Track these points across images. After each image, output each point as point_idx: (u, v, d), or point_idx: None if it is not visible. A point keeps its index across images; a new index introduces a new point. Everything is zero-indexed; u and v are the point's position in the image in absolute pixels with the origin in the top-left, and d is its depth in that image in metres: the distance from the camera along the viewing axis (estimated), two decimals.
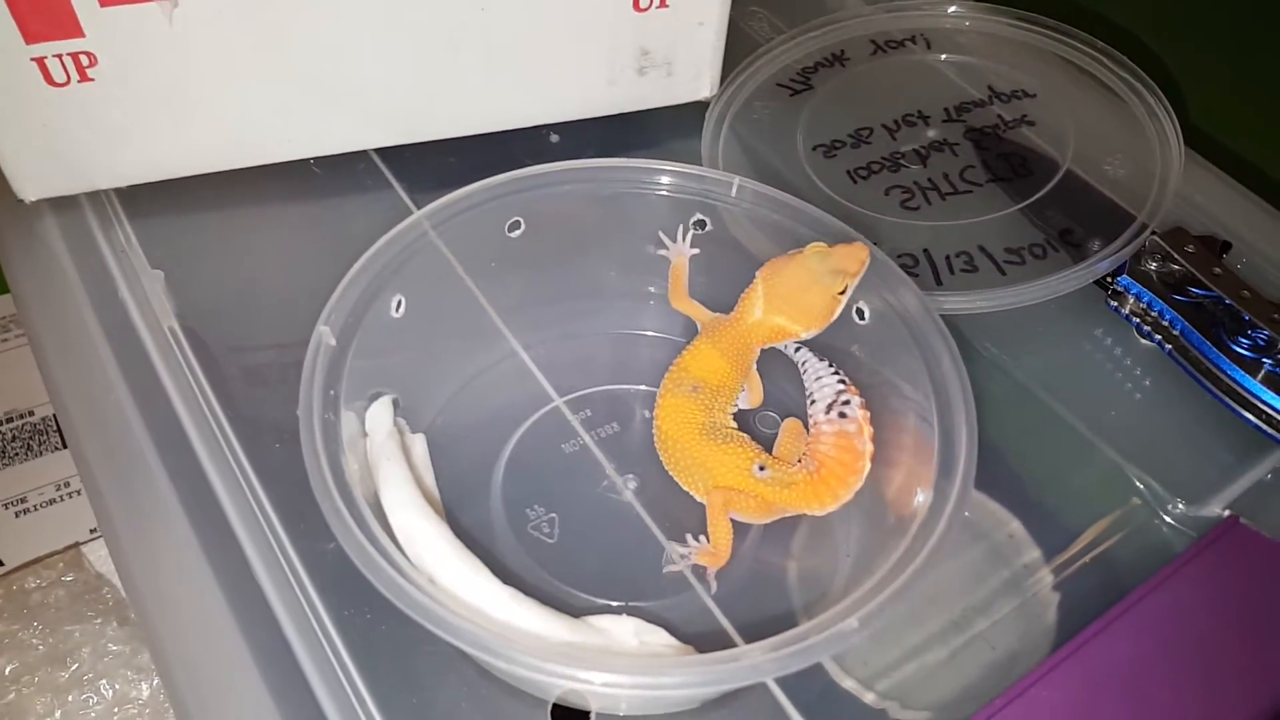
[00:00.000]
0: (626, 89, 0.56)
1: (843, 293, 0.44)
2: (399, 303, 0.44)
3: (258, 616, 0.41)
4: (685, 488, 0.44)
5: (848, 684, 0.41)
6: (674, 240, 0.49)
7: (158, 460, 0.45)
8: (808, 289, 0.44)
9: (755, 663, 0.34)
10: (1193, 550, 0.44)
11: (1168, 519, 0.46)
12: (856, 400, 0.44)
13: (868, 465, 0.43)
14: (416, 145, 0.55)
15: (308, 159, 0.55)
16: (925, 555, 0.37)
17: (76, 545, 0.61)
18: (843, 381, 0.45)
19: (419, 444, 0.45)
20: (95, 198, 0.54)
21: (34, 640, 0.56)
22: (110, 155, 0.51)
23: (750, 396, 0.46)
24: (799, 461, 0.44)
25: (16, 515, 0.65)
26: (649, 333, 0.51)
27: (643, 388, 0.49)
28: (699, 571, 0.42)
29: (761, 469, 0.42)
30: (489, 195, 0.46)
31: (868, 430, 0.43)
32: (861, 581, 0.37)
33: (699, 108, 0.57)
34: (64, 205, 0.53)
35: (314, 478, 0.37)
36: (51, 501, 0.66)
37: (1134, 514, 0.46)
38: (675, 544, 0.43)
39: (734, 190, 0.47)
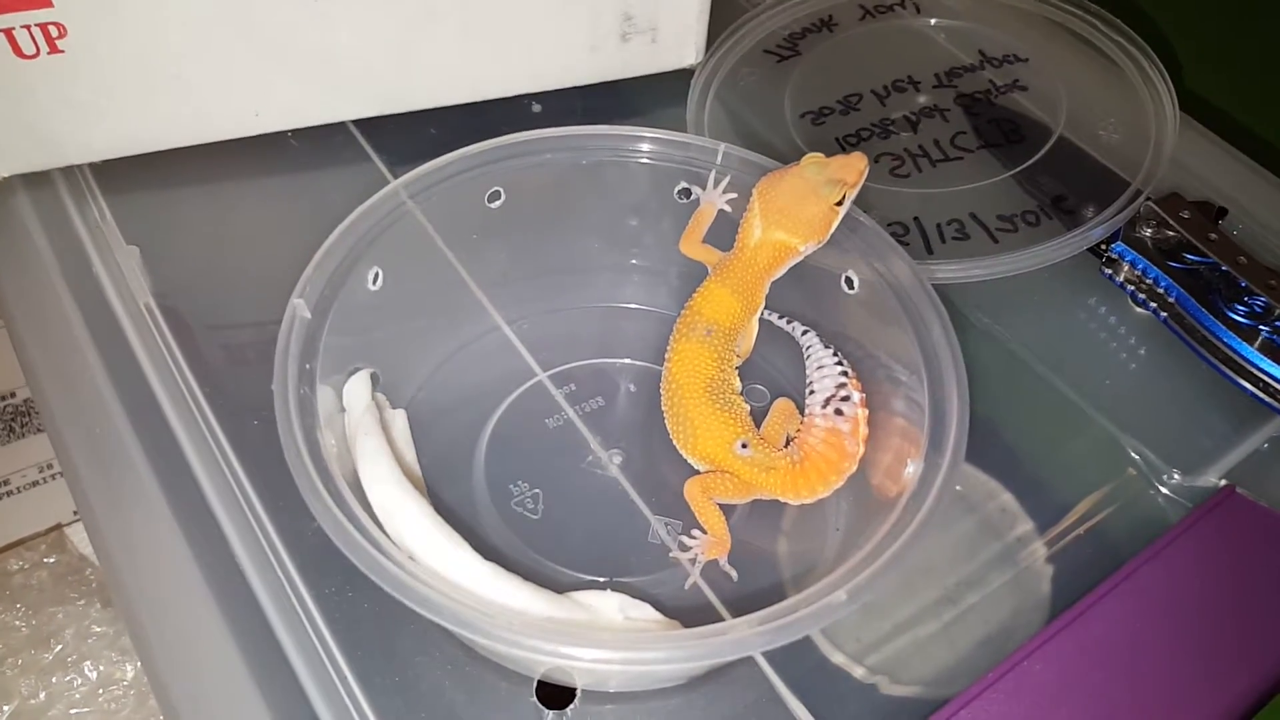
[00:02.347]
0: (609, 56, 0.54)
1: (840, 203, 0.43)
2: (376, 275, 0.43)
3: (238, 596, 0.40)
4: (670, 436, 0.43)
5: (838, 659, 0.41)
6: (707, 188, 0.47)
7: (134, 439, 0.44)
8: (804, 199, 0.43)
9: (742, 636, 0.33)
10: (1188, 520, 0.44)
11: (1163, 489, 0.46)
12: (857, 396, 0.43)
13: (852, 467, 0.42)
14: (395, 116, 0.54)
15: (284, 131, 0.54)
16: (915, 527, 0.36)
17: (59, 527, 0.60)
18: (845, 374, 0.44)
19: (400, 420, 0.44)
20: (69, 173, 0.53)
21: (17, 622, 0.55)
22: (83, 129, 0.50)
23: (741, 344, 0.45)
24: (785, 446, 0.43)
25: None
26: (633, 306, 0.50)
27: (627, 361, 0.48)
28: (710, 569, 0.41)
29: (744, 446, 0.42)
30: (467, 164, 0.45)
31: (862, 431, 0.42)
32: (850, 555, 0.36)
33: (684, 76, 0.56)
34: (37, 181, 0.52)
35: (289, 452, 0.36)
36: (34, 483, 0.65)
37: (1129, 485, 0.46)
38: (680, 553, 0.41)
39: (719, 158, 0.46)
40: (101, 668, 0.54)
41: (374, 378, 0.44)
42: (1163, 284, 0.48)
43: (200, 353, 0.47)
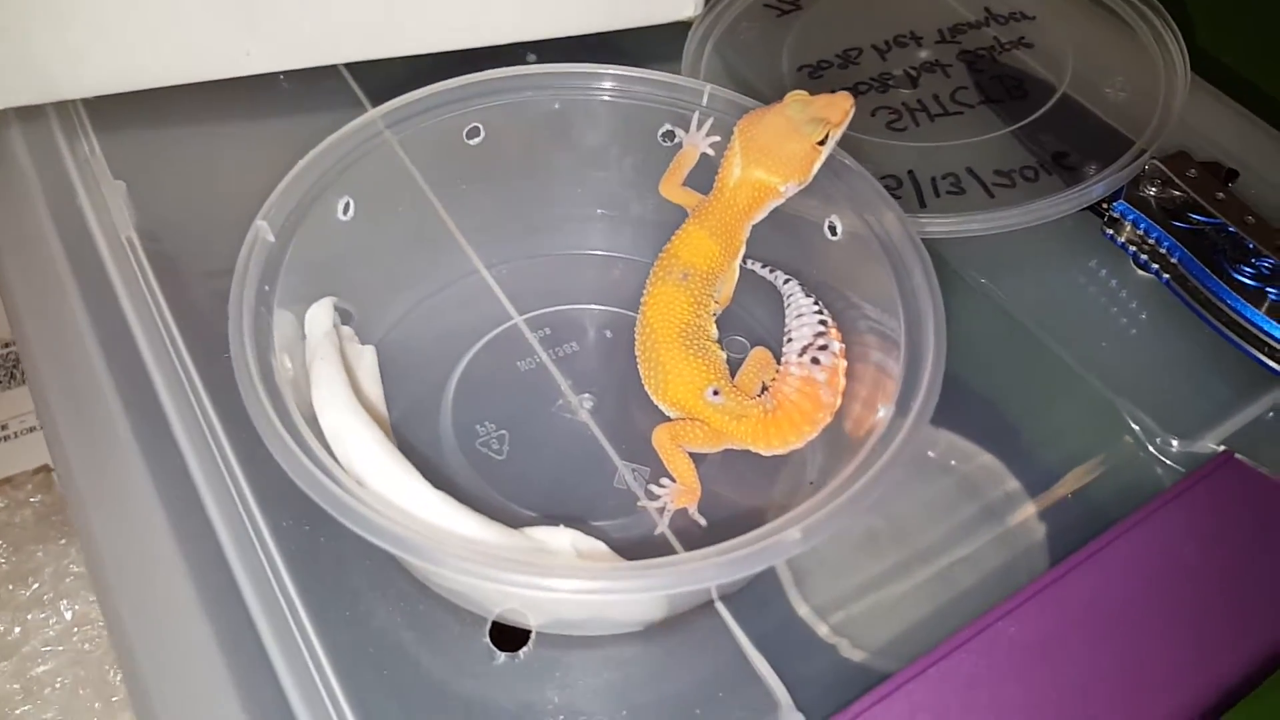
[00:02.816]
0: (605, 6, 0.54)
1: (823, 142, 0.42)
2: (347, 205, 0.42)
3: (195, 525, 0.40)
4: (642, 381, 0.42)
5: (803, 610, 0.39)
6: (690, 130, 0.46)
7: (105, 366, 0.44)
8: (786, 138, 0.41)
9: (691, 568, 0.32)
10: (1181, 485, 0.42)
11: (1160, 456, 0.44)
12: (836, 346, 0.42)
13: (827, 418, 0.41)
14: (387, 63, 0.54)
15: (276, 73, 0.53)
16: (878, 469, 0.35)
17: (47, 469, 0.60)
18: (824, 323, 0.43)
19: (368, 355, 0.43)
20: (63, 108, 0.53)
21: None
22: (74, 64, 0.50)
23: (721, 291, 0.44)
24: (760, 395, 0.42)
25: None
26: (614, 253, 0.49)
27: (606, 308, 0.47)
28: (679, 519, 0.40)
29: (715, 393, 0.40)
30: (446, 98, 0.44)
31: (840, 382, 0.41)
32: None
33: (684, 29, 0.55)
34: (31, 114, 0.52)
35: (239, 369, 0.35)
36: (31, 429, 0.65)
37: (1123, 450, 0.44)
38: (648, 501, 0.40)
39: (705, 99, 0.45)
40: (77, 607, 0.54)
41: (345, 311, 0.43)
42: (1165, 244, 0.46)
43: (176, 287, 0.46)
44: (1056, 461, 0.44)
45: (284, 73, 0.53)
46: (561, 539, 0.37)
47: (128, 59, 0.50)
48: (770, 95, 0.53)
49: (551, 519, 0.40)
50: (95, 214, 0.48)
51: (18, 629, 0.53)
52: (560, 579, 0.32)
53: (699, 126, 0.45)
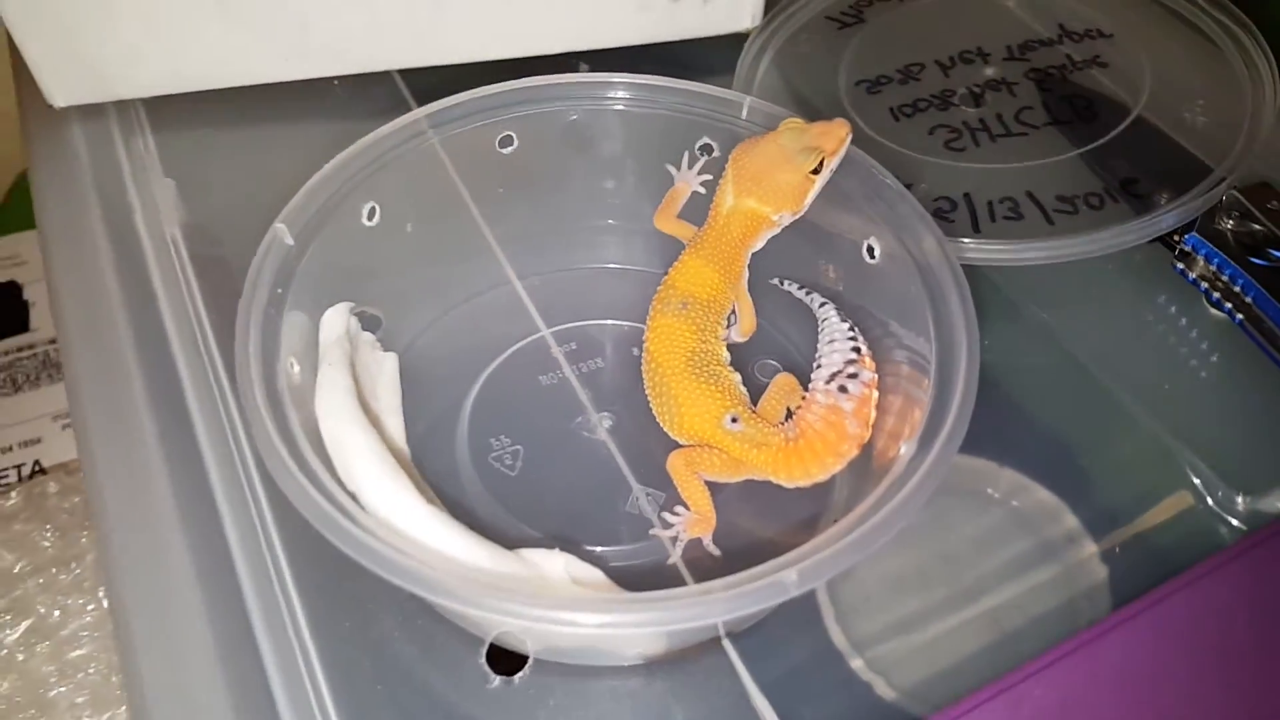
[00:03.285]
0: (660, 16, 0.52)
1: (816, 171, 0.40)
2: (373, 210, 0.42)
3: (207, 526, 0.40)
4: (656, 418, 0.41)
5: (839, 642, 0.38)
6: (681, 169, 0.46)
7: (135, 357, 0.45)
8: (778, 167, 0.40)
9: (667, 607, 0.31)
10: (1241, 546, 0.38)
11: (1221, 511, 0.40)
12: (867, 375, 0.40)
13: (853, 450, 0.38)
14: (441, 70, 0.53)
15: (330, 78, 0.54)
16: (892, 508, 0.32)
17: None
18: (857, 350, 0.41)
19: (389, 363, 0.43)
20: (123, 107, 0.54)
21: (44, 542, 0.56)
22: (131, 66, 0.51)
23: (741, 324, 0.43)
24: (783, 423, 0.40)
25: (63, 428, 0.67)
26: (647, 269, 0.47)
27: (636, 324, 0.45)
28: (694, 549, 0.39)
29: (734, 420, 0.39)
30: (478, 106, 0.43)
31: (870, 414, 0.39)
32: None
33: (740, 40, 0.54)
34: (92, 113, 0.54)
35: (240, 368, 0.35)
36: None
37: (1181, 504, 0.41)
38: (661, 530, 0.39)
39: (745, 112, 0.43)
40: None
41: (373, 318, 0.43)
42: (1240, 282, 0.43)
43: (214, 285, 0.47)
44: (1107, 512, 0.41)
45: (337, 77, 0.54)
46: (555, 563, 0.35)
47: (180, 61, 0.51)
48: (825, 111, 0.51)
49: (558, 541, 0.39)
50: (143, 210, 0.49)
51: (57, 612, 0.54)
52: (525, 606, 0.30)
53: (690, 165, 0.45)
